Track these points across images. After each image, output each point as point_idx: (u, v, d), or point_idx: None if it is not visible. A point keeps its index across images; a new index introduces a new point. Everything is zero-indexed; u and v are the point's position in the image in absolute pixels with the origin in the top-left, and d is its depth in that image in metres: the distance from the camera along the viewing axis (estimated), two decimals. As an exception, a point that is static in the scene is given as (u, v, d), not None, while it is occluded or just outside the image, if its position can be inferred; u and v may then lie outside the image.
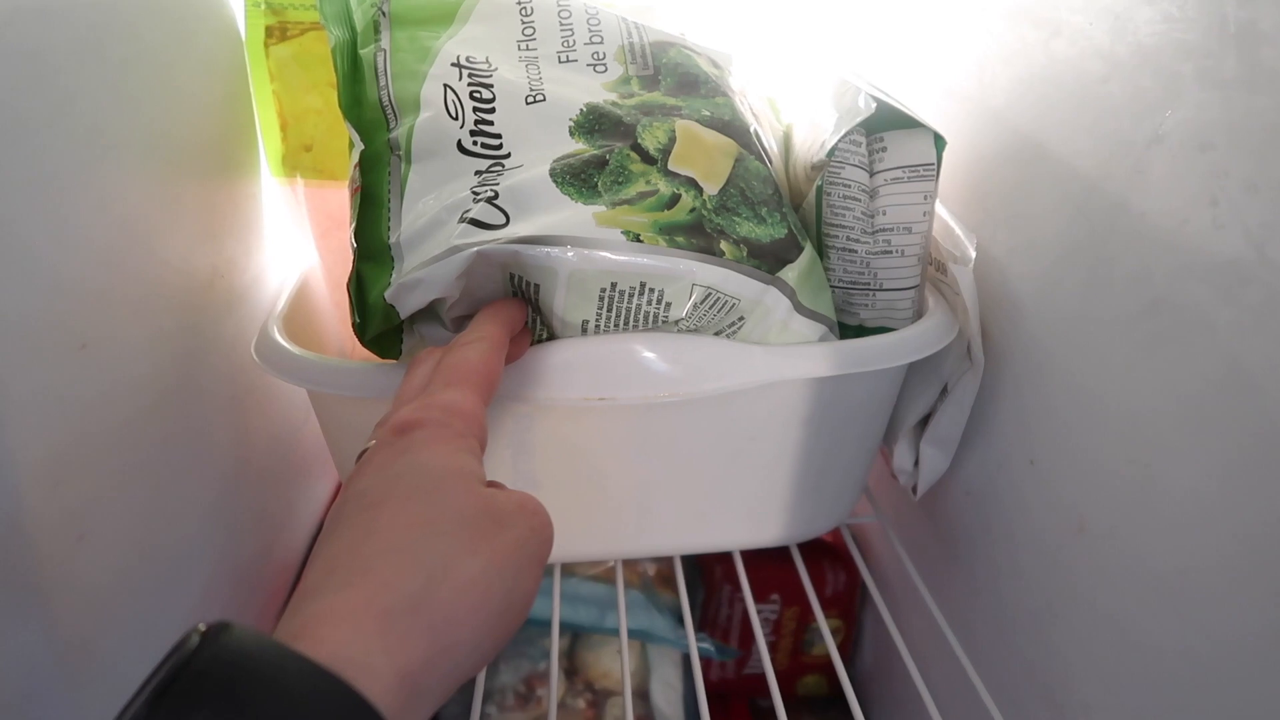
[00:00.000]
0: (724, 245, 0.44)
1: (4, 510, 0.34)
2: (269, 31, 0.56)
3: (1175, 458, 0.39)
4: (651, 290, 0.43)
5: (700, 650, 0.74)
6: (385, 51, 0.50)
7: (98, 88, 0.40)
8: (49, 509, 0.36)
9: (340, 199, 0.59)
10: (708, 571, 0.80)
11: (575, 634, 0.76)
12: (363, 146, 0.47)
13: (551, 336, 0.45)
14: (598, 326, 0.44)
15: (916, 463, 0.59)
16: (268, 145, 0.58)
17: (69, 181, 0.38)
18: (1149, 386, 0.40)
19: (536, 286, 0.42)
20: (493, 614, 0.27)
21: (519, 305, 0.41)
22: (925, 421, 0.58)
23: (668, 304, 0.43)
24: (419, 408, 0.31)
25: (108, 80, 0.41)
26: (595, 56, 0.52)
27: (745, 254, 0.44)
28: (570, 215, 0.42)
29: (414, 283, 0.42)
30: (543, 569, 0.30)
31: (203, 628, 0.21)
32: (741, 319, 0.46)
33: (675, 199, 0.44)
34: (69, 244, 0.37)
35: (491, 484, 0.31)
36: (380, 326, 0.44)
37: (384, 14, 0.51)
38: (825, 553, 0.78)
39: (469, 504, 0.28)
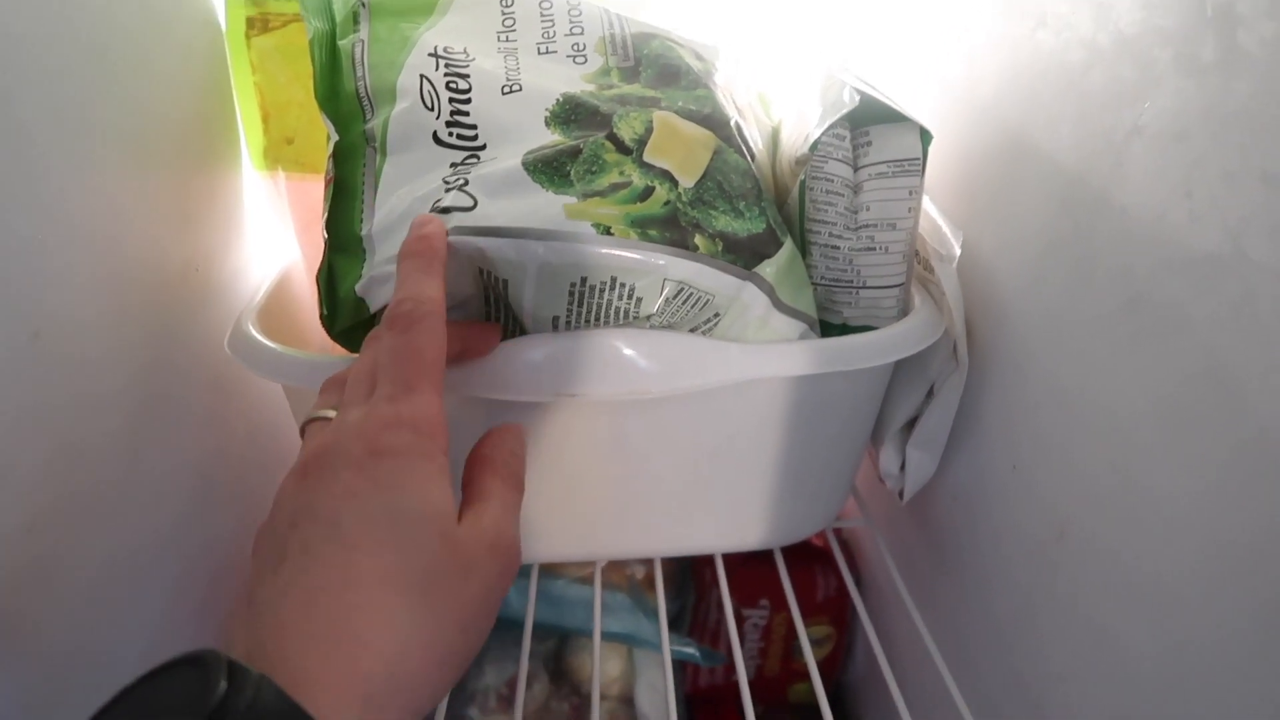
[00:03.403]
0: (699, 239, 0.43)
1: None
2: (250, 23, 0.55)
3: (1153, 459, 0.38)
4: (622, 285, 0.42)
5: (687, 655, 0.73)
6: (364, 43, 0.49)
7: (67, 70, 0.40)
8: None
9: (322, 192, 0.58)
10: (698, 574, 0.79)
11: (563, 636, 0.75)
12: (338, 138, 0.47)
13: (522, 332, 0.44)
14: (569, 323, 0.43)
15: (903, 466, 0.57)
16: (249, 137, 0.57)
17: (29, 164, 0.37)
18: (1128, 386, 0.39)
19: (505, 282, 0.42)
20: (453, 667, 0.28)
21: (439, 229, 0.39)
22: (912, 424, 0.56)
23: (639, 299, 0.43)
24: (389, 425, 0.30)
25: (79, 63, 0.41)
26: (575, 47, 0.51)
27: (721, 248, 0.44)
28: (540, 204, 0.42)
29: (385, 276, 0.41)
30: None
31: (223, 677, 0.22)
32: (717, 315, 0.45)
33: (649, 191, 0.44)
34: (23, 226, 0.37)
35: (466, 499, 0.33)
36: (350, 319, 0.43)
37: (364, 5, 0.51)
38: (815, 556, 0.77)
39: (441, 556, 0.29)
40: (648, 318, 0.44)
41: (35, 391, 0.37)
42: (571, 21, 0.52)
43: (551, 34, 0.52)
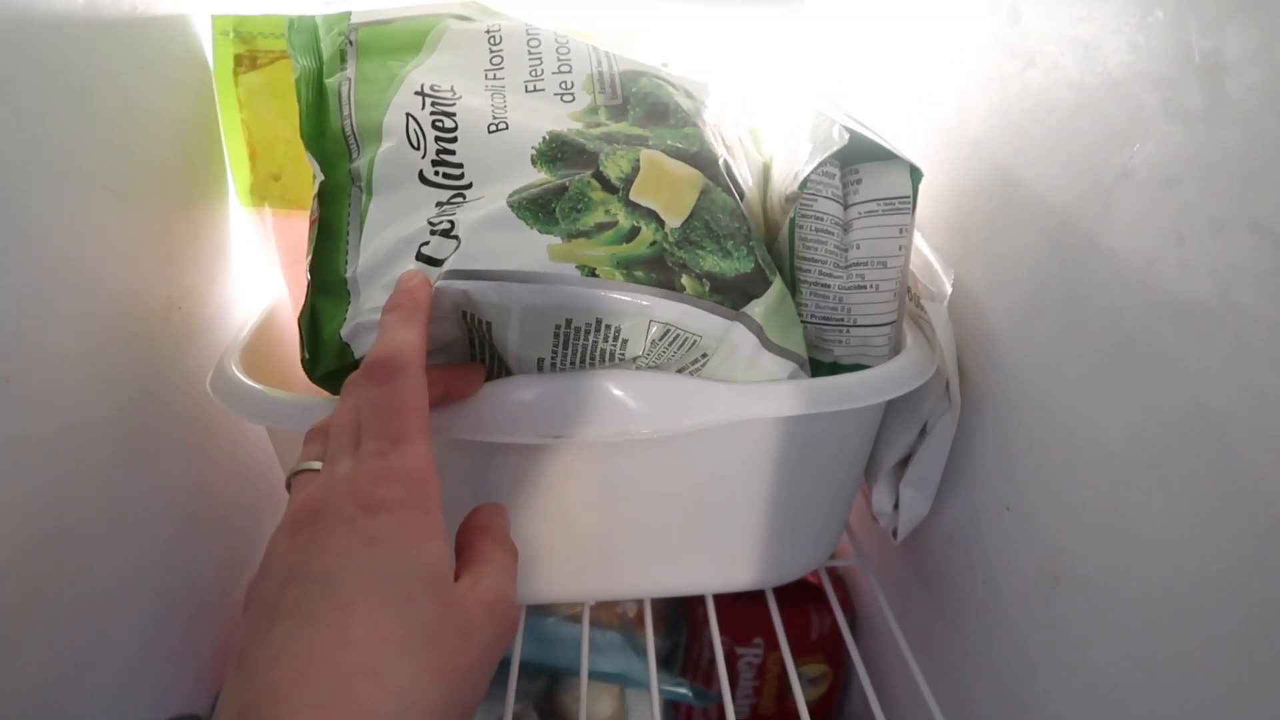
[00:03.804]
0: (685, 280, 0.43)
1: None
2: (238, 60, 0.55)
3: (1141, 501, 0.37)
4: (608, 327, 0.42)
5: (679, 696, 0.72)
6: (350, 81, 0.49)
7: (50, 111, 0.40)
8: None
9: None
10: (691, 612, 0.78)
11: (554, 676, 0.74)
12: (323, 177, 0.46)
13: (508, 374, 0.44)
14: (554, 364, 0.43)
15: (896, 505, 0.57)
16: (236, 174, 0.57)
17: (9, 203, 0.37)
18: (1117, 428, 0.39)
19: (489, 324, 0.41)
20: None
21: (424, 283, 0.39)
22: (905, 462, 0.56)
23: (625, 341, 0.42)
24: (380, 479, 0.30)
25: (63, 103, 0.41)
26: (563, 85, 0.51)
27: (708, 289, 0.43)
28: (524, 244, 0.41)
29: (372, 325, 0.40)
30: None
31: None
32: (705, 356, 0.44)
33: (635, 232, 0.43)
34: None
35: (464, 562, 0.32)
36: (333, 364, 0.43)
37: (351, 43, 0.51)
38: (810, 594, 0.76)
39: (439, 618, 0.28)
40: (634, 359, 0.43)
41: (9, 433, 0.37)
42: (560, 59, 0.52)
43: (539, 72, 0.51)
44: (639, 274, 0.42)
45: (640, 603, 0.74)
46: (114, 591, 0.45)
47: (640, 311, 0.41)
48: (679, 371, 0.45)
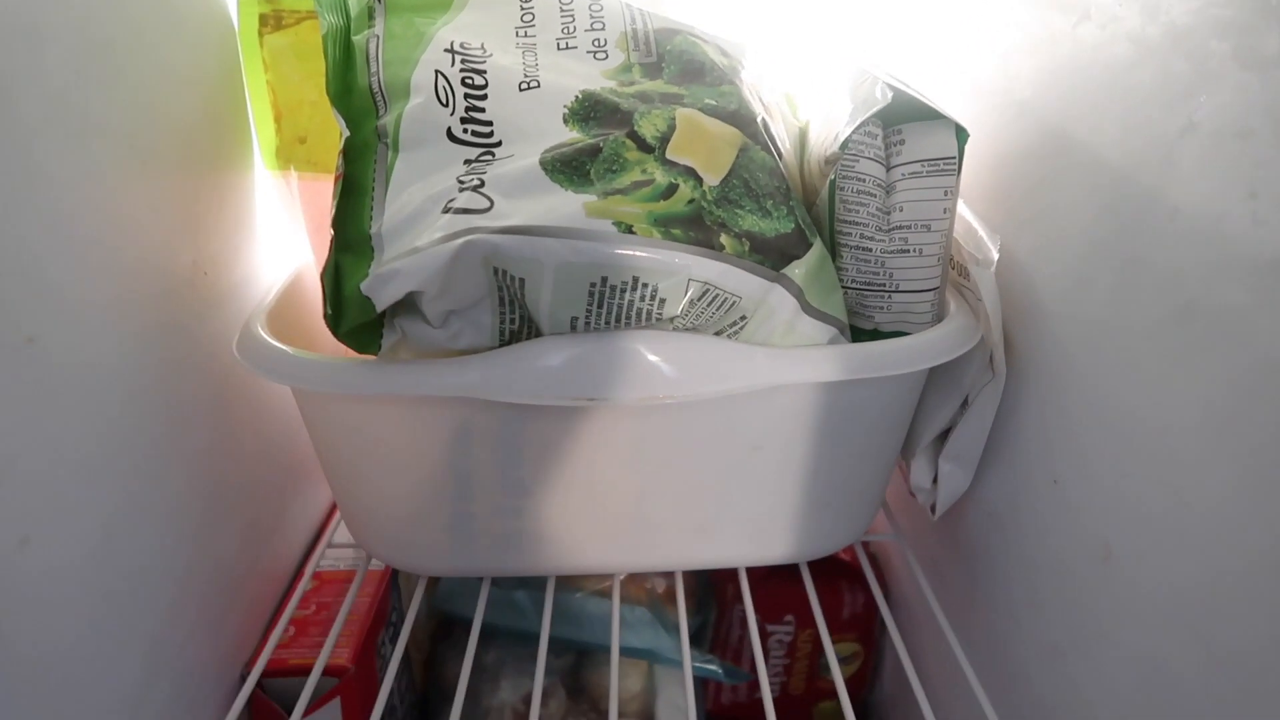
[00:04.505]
0: (724, 239, 0.41)
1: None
2: (263, 20, 0.54)
3: (1203, 475, 0.35)
4: (645, 285, 0.40)
5: (709, 673, 0.71)
6: (378, 38, 0.48)
7: (73, 66, 0.39)
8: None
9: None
10: (720, 590, 0.77)
11: (581, 652, 0.73)
12: (349, 134, 0.45)
13: (538, 334, 0.43)
14: (587, 324, 0.42)
15: (935, 480, 0.55)
16: (261, 137, 0.56)
17: (29, 164, 0.36)
18: (1179, 399, 0.37)
19: (521, 281, 0.40)
20: None
21: None
22: (945, 436, 0.54)
23: (662, 300, 0.41)
24: None
25: (86, 58, 0.39)
26: (596, 43, 0.49)
27: (748, 249, 0.42)
28: (558, 204, 0.40)
29: (390, 274, 0.39)
30: None
31: None
32: (744, 318, 0.43)
33: (672, 189, 0.42)
34: (17, 225, 0.35)
35: None
36: (356, 320, 0.42)
37: (379, 0, 0.49)
38: (843, 572, 0.75)
39: None
40: (671, 320, 0.42)
41: (32, 398, 0.36)
42: (592, 16, 0.50)
43: (572, 29, 0.50)
44: (676, 232, 0.40)
45: (670, 578, 0.73)
46: (139, 564, 0.44)
47: (678, 269, 0.40)
48: (717, 334, 0.44)
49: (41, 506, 0.37)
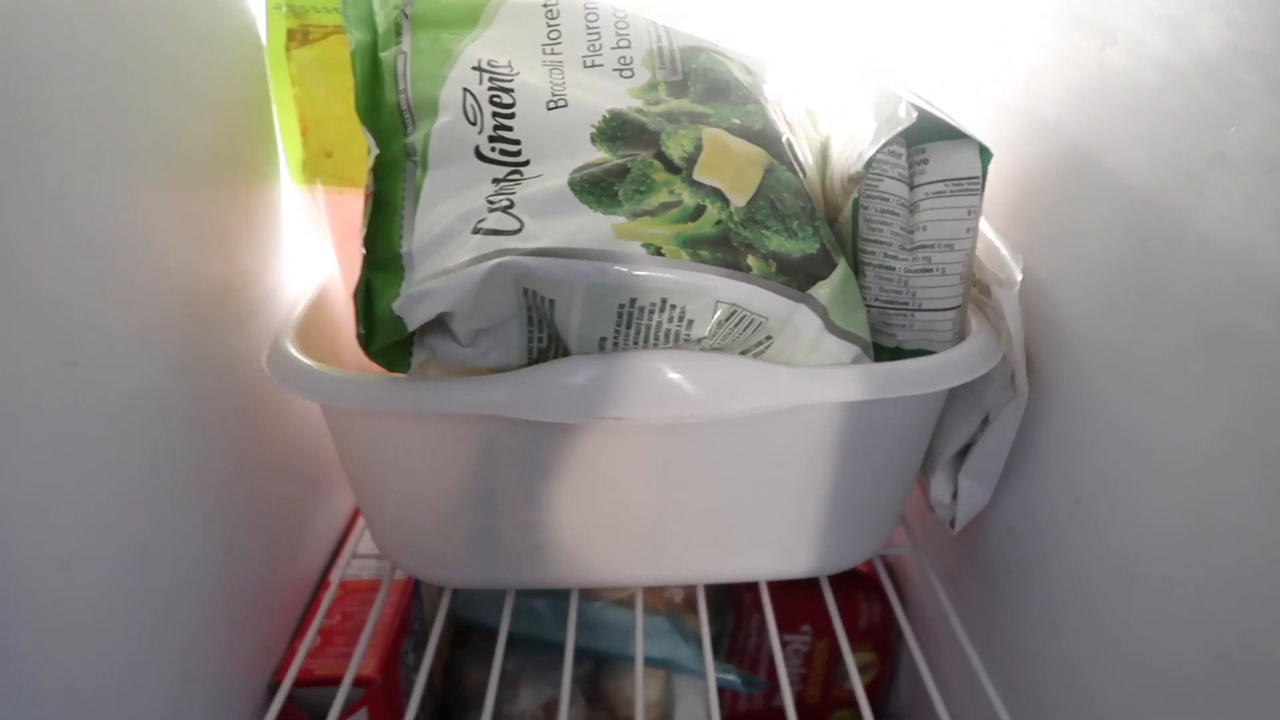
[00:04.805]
0: (751, 260, 0.42)
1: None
2: (291, 35, 0.54)
3: (1230, 501, 0.36)
4: (673, 307, 0.41)
5: (728, 682, 0.71)
6: (406, 54, 0.48)
7: (101, 92, 0.39)
8: (32, 531, 0.35)
9: (360, 207, 0.57)
10: (737, 599, 0.77)
11: (599, 660, 0.73)
12: (378, 151, 0.45)
13: (565, 353, 0.43)
14: (616, 344, 0.42)
15: (955, 495, 0.56)
16: (288, 151, 0.56)
17: (59, 188, 0.36)
18: (1205, 423, 0.37)
19: (552, 302, 0.40)
20: None
21: None
22: (965, 452, 0.55)
23: (690, 321, 0.41)
24: None
25: (107, 84, 0.40)
26: (622, 61, 0.50)
27: (774, 269, 0.42)
28: (588, 225, 0.40)
29: (422, 294, 0.40)
30: None
31: None
32: (769, 338, 0.43)
33: (700, 210, 0.42)
34: (57, 254, 0.36)
35: None
36: (388, 338, 0.42)
37: (406, 16, 0.50)
38: (859, 583, 0.75)
39: None
40: (699, 340, 0.42)
41: (75, 420, 0.36)
42: (618, 34, 0.51)
43: (598, 47, 0.50)
44: (704, 253, 0.41)
45: (688, 588, 0.73)
46: (172, 579, 0.45)
47: (706, 291, 0.40)
48: (742, 354, 0.44)
49: (85, 527, 0.37)
